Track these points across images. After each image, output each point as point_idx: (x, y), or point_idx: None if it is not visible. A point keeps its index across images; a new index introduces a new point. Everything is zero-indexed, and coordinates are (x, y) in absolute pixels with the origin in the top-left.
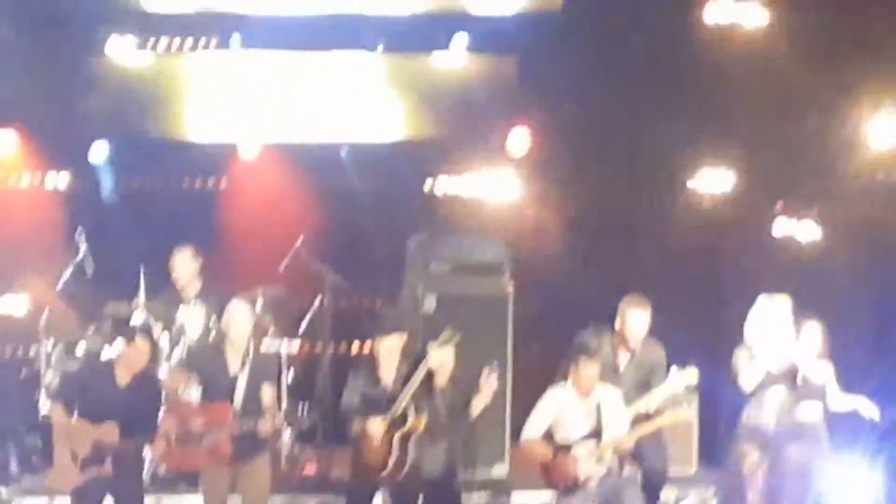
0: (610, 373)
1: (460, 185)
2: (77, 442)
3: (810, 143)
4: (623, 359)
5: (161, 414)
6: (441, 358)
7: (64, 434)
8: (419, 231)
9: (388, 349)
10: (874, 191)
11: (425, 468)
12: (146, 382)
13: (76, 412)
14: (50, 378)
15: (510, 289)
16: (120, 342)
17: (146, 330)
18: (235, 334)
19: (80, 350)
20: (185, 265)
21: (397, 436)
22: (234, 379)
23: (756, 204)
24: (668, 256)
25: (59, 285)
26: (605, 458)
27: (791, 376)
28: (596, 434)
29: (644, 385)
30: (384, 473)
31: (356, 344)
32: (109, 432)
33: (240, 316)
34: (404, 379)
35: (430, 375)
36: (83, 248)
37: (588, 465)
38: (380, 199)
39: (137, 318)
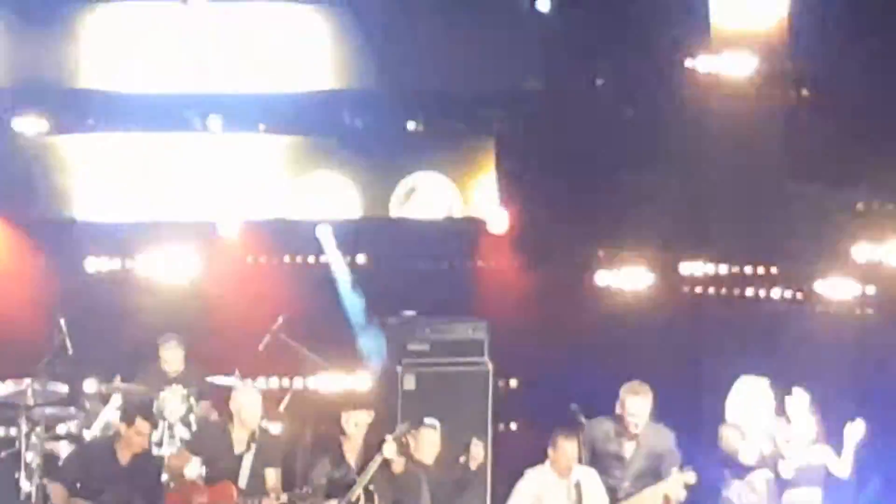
0: (614, 461)
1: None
2: None
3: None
4: (629, 447)
5: (166, 493)
6: (394, 449)
7: None
8: (399, 310)
9: (356, 425)
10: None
11: None
12: (146, 460)
13: (76, 490)
14: (30, 458)
15: (490, 367)
16: (121, 425)
17: (146, 411)
18: (246, 417)
19: (62, 430)
20: (174, 354)
21: None
22: (239, 459)
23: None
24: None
25: (41, 365)
26: None
27: (775, 462)
28: None
29: (654, 473)
30: None
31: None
32: None
33: (250, 400)
34: (366, 461)
35: (386, 464)
36: (64, 329)
37: None
38: (360, 277)
39: (124, 401)
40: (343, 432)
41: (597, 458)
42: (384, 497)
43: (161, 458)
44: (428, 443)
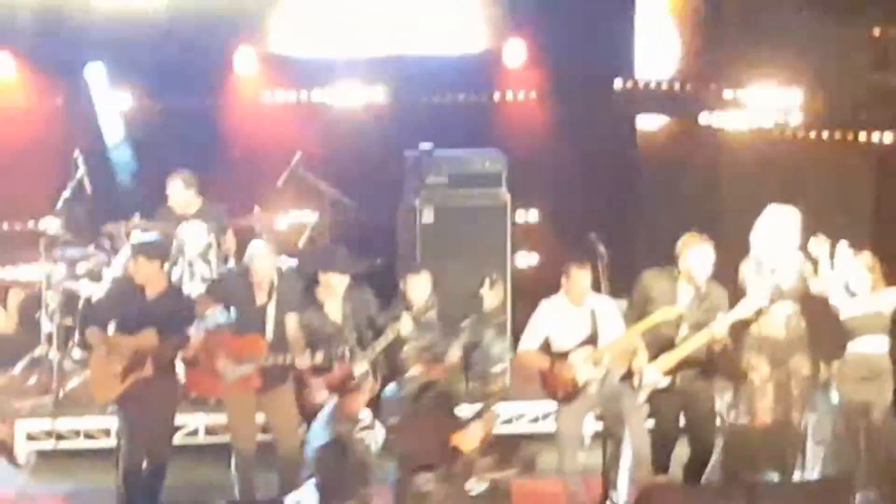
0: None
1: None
2: (117, 354)
3: None
4: (683, 297)
5: (191, 340)
6: (411, 327)
7: (103, 352)
8: (416, 144)
9: (335, 286)
10: None
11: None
12: (174, 294)
13: (111, 330)
14: (50, 299)
15: (508, 199)
16: (129, 262)
17: (151, 246)
18: (259, 272)
19: (81, 270)
20: (179, 192)
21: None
22: (263, 310)
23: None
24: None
25: (59, 204)
26: (602, 362)
27: (801, 293)
28: (591, 340)
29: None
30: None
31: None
32: (148, 338)
33: (261, 255)
34: (353, 318)
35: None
36: (81, 167)
37: (585, 370)
38: (378, 114)
39: (140, 237)
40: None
41: (649, 310)
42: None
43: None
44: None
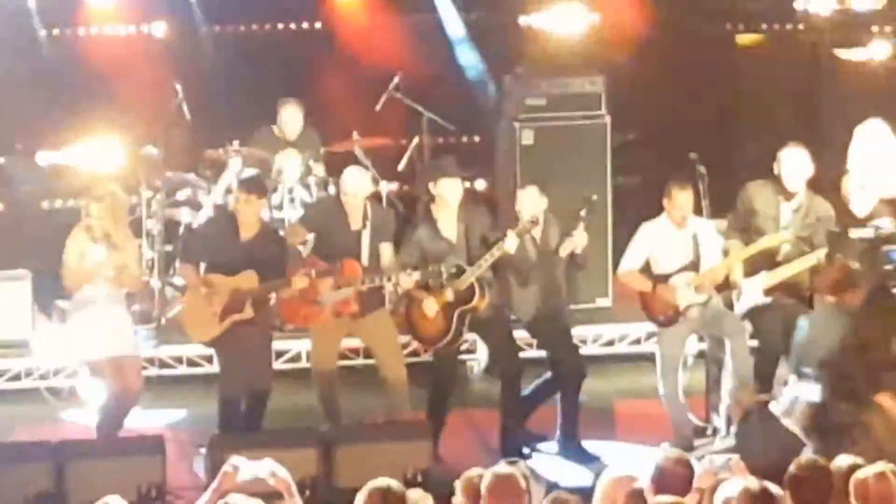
0: (772, 223)
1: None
2: (215, 293)
3: None
4: (786, 208)
5: (291, 290)
6: (516, 244)
7: (199, 290)
8: (514, 66)
9: (449, 195)
10: None
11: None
12: (268, 235)
13: (205, 269)
14: (151, 226)
15: (608, 120)
16: (232, 199)
17: (255, 184)
18: (352, 197)
19: (182, 197)
20: (291, 118)
21: (458, 312)
22: (358, 235)
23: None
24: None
25: (159, 131)
26: (704, 287)
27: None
28: (693, 265)
29: (810, 240)
30: (440, 345)
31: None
32: (249, 279)
33: (354, 180)
34: (466, 237)
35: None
36: (180, 93)
37: (686, 294)
38: (475, 35)
39: (240, 172)
40: (436, 205)
41: (752, 221)
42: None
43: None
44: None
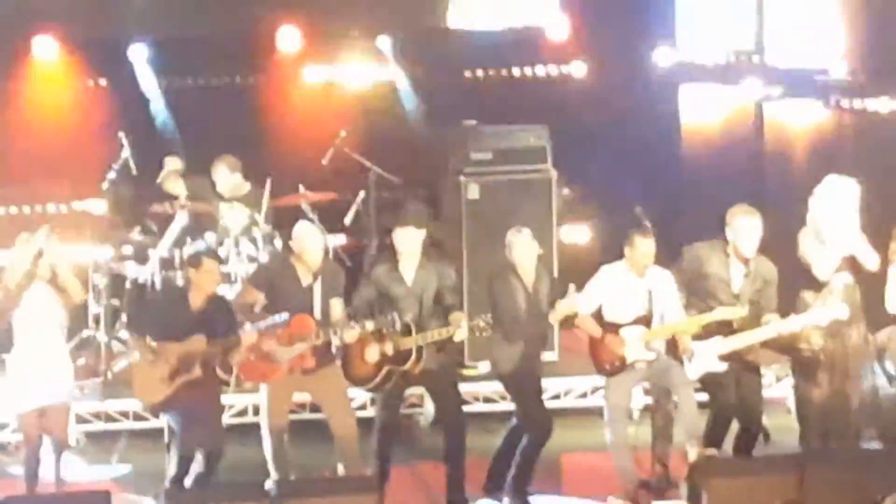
0: (723, 286)
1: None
2: (164, 359)
3: None
4: (737, 273)
5: (242, 329)
6: (465, 334)
7: (149, 358)
8: (460, 120)
9: (410, 240)
10: None
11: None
12: (218, 303)
13: (155, 337)
14: (97, 280)
15: (553, 173)
16: (189, 269)
17: (212, 252)
18: (309, 259)
19: (128, 251)
20: (225, 177)
21: (388, 368)
22: (310, 290)
23: None
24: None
25: (104, 185)
26: (654, 345)
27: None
28: (645, 318)
29: (758, 304)
30: (361, 387)
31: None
32: (197, 343)
33: (312, 237)
34: (422, 286)
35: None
36: (127, 148)
37: (636, 349)
38: (422, 89)
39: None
40: (395, 251)
41: (702, 284)
42: (432, 357)
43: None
44: None
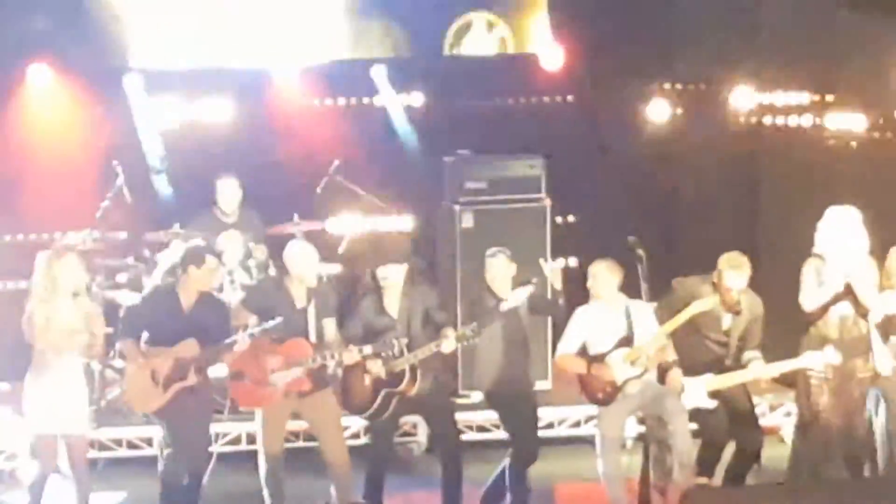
0: (713, 322)
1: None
2: (156, 365)
3: None
4: (727, 317)
5: (234, 354)
6: (452, 347)
7: (140, 363)
8: (455, 149)
9: (393, 276)
10: None
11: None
12: (210, 302)
13: (146, 342)
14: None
15: (548, 203)
16: (190, 267)
17: (213, 251)
18: (301, 273)
19: (122, 279)
20: (229, 192)
21: (385, 392)
22: (304, 313)
23: None
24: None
25: (98, 214)
26: (639, 361)
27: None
28: (627, 340)
29: (750, 338)
30: (361, 415)
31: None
32: (190, 347)
33: (305, 255)
34: (408, 314)
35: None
36: (121, 176)
37: (622, 369)
38: (416, 118)
39: (191, 245)
40: (379, 285)
41: (697, 322)
42: (426, 374)
43: (224, 302)
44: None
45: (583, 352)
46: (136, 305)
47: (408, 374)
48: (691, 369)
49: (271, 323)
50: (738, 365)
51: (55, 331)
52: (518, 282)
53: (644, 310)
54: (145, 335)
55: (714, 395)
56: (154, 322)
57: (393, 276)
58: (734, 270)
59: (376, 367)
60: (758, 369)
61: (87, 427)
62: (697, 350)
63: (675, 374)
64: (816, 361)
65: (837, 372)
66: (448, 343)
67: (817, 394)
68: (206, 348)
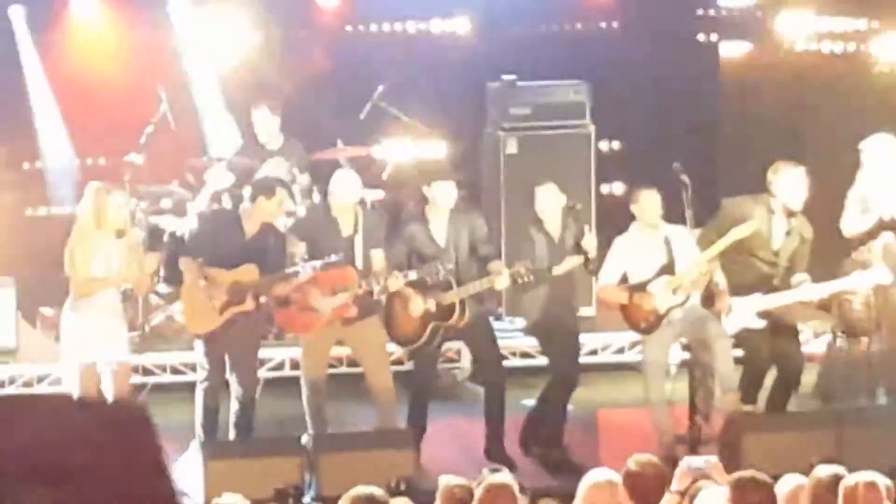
0: (762, 242)
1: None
2: (215, 287)
3: None
4: (778, 230)
5: (293, 283)
6: (506, 283)
7: (201, 283)
8: (499, 75)
9: (441, 198)
10: None
11: None
12: (271, 232)
13: (205, 263)
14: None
15: (592, 129)
16: (259, 198)
17: (285, 184)
18: (342, 201)
19: (166, 205)
20: (264, 122)
21: (433, 324)
22: (351, 241)
23: None
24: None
25: (143, 139)
26: (682, 288)
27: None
28: (668, 268)
29: (801, 257)
30: (409, 347)
31: None
32: (249, 272)
33: (344, 183)
34: (455, 242)
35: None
36: (165, 102)
37: (665, 298)
38: (460, 45)
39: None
40: (424, 211)
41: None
42: (472, 303)
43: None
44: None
45: (624, 280)
46: (199, 226)
47: (458, 309)
48: (740, 288)
49: (333, 257)
50: (787, 286)
51: (93, 267)
52: (565, 212)
53: (684, 236)
54: (206, 256)
55: (761, 315)
56: (215, 244)
57: (441, 196)
58: (787, 172)
59: (427, 303)
60: (808, 289)
61: (127, 354)
62: (747, 269)
63: (723, 298)
64: (868, 281)
65: (881, 294)
66: (502, 279)
67: (859, 318)
68: (265, 275)
